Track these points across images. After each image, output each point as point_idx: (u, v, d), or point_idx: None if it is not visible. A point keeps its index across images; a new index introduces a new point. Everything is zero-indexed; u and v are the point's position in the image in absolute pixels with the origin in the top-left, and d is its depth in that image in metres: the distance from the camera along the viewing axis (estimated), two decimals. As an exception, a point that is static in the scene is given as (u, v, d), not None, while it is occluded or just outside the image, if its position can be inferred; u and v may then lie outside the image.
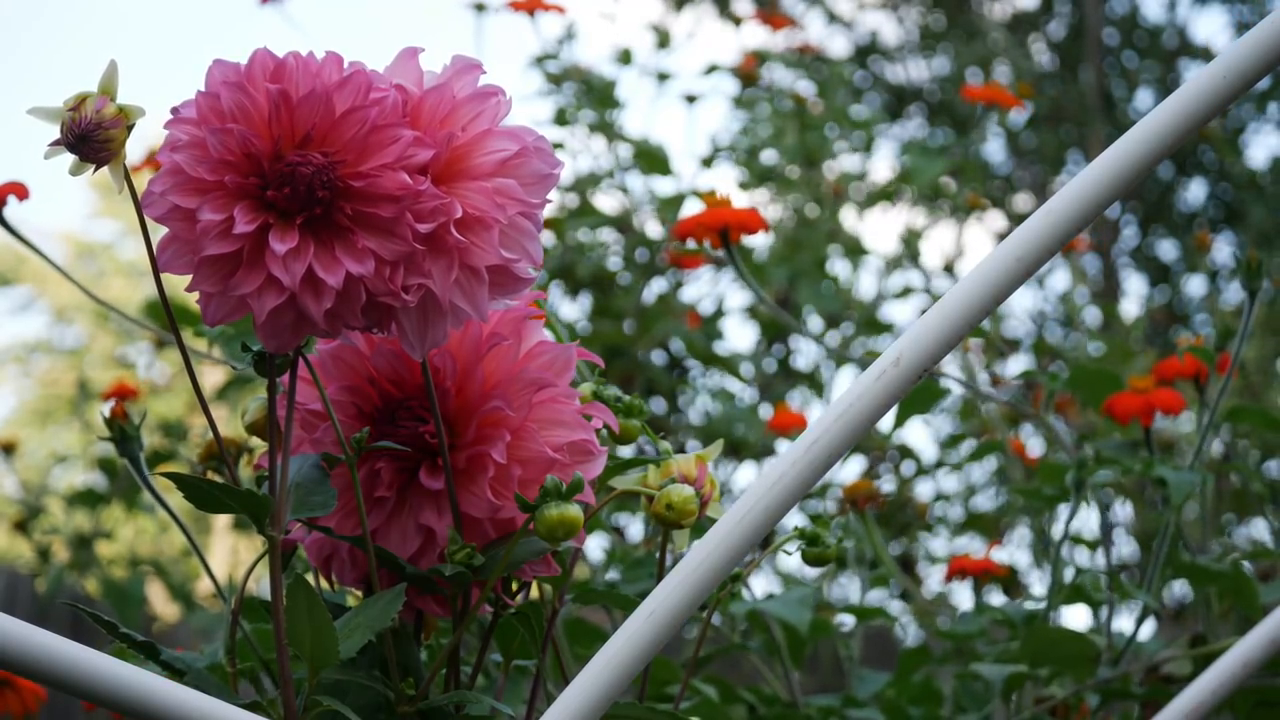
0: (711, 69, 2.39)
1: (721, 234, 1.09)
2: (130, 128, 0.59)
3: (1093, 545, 1.42)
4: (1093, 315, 3.42)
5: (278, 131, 0.59)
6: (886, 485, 2.16)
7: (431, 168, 0.60)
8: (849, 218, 2.35)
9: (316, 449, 0.67)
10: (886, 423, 2.02)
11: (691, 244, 1.12)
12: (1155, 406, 1.16)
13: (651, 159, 2.13)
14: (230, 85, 0.58)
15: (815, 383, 2.22)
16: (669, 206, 2.12)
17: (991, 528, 2.07)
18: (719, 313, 2.21)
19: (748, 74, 2.42)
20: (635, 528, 1.81)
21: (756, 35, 2.44)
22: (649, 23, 2.29)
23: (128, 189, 0.60)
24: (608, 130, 2.13)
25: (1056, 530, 1.81)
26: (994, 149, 5.23)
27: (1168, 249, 5.42)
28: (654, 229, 2.17)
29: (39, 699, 1.10)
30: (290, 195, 0.58)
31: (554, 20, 2.18)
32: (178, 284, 0.61)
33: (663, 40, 2.27)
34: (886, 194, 2.31)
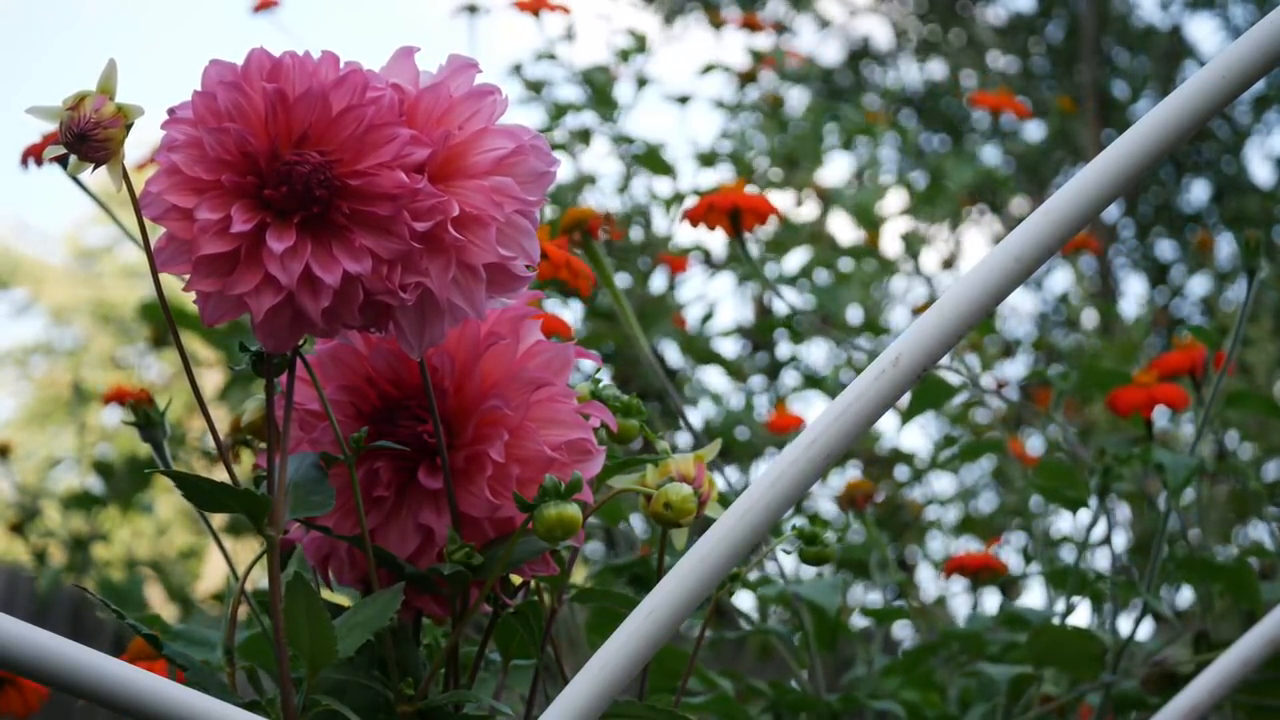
0: (708, 68, 2.39)
1: (732, 218, 1.07)
2: (129, 127, 0.59)
3: (1083, 547, 1.41)
4: (1089, 316, 3.43)
5: (274, 131, 0.59)
6: (882, 488, 2.16)
7: (428, 166, 0.59)
8: (834, 221, 2.36)
9: (314, 449, 0.67)
10: (891, 422, 2.03)
11: (687, 234, 1.11)
12: (1157, 400, 1.17)
13: (653, 160, 2.13)
14: (227, 85, 0.58)
15: (817, 381, 2.22)
16: (670, 205, 2.13)
17: (987, 530, 2.07)
18: (709, 316, 2.22)
19: (747, 75, 2.43)
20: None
21: (739, 39, 2.45)
22: (629, 28, 2.29)
23: (126, 189, 0.60)
24: (611, 132, 2.14)
25: (1061, 530, 1.80)
26: (989, 154, 5.24)
27: (1166, 249, 5.42)
28: (639, 232, 2.17)
29: (40, 697, 1.10)
30: (287, 194, 0.58)
31: (555, 22, 2.19)
32: (177, 286, 0.61)
33: (641, 45, 2.27)
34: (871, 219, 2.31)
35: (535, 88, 2.20)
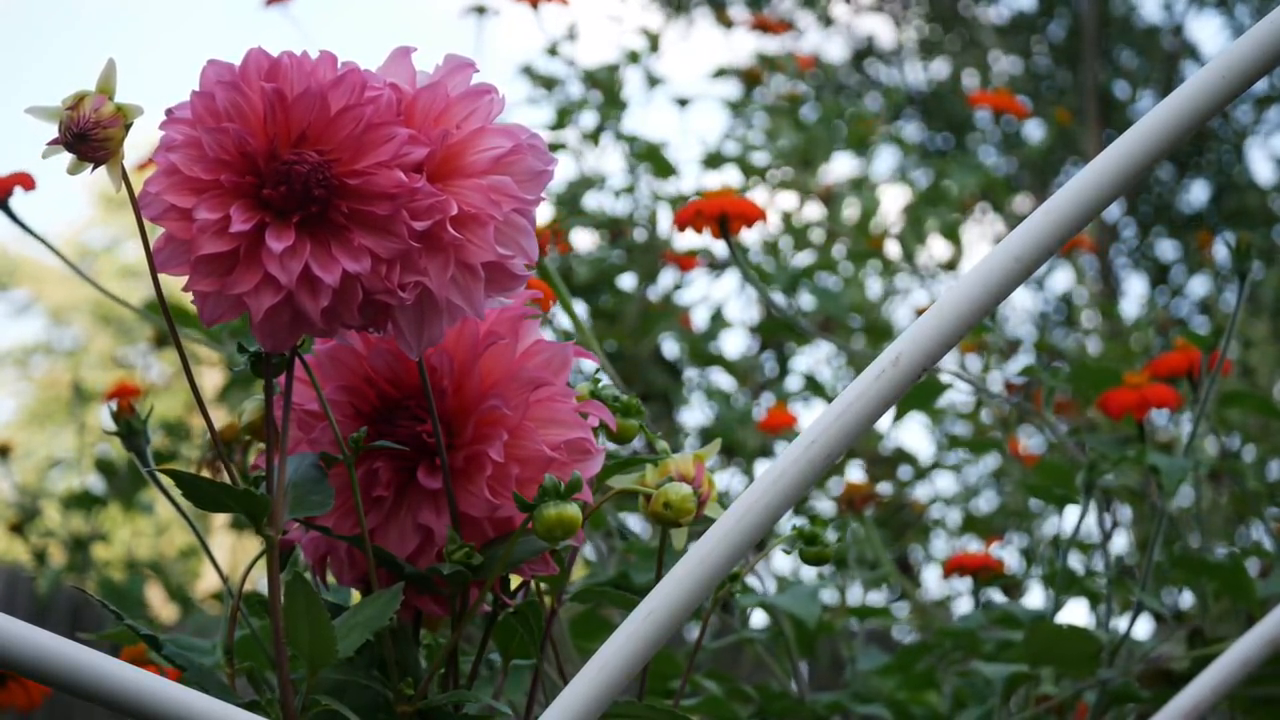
0: (720, 72, 2.39)
1: (720, 223, 1.07)
2: (128, 127, 0.59)
3: (1086, 548, 1.41)
4: (1090, 317, 3.42)
5: (273, 130, 0.59)
6: (884, 488, 2.16)
7: (426, 165, 0.59)
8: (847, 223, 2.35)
9: (314, 449, 0.67)
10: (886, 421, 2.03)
11: (690, 237, 1.11)
12: (1149, 401, 1.16)
13: (657, 161, 2.13)
14: (225, 85, 0.58)
15: (816, 384, 2.22)
16: (675, 205, 2.13)
17: (988, 530, 2.07)
18: (717, 315, 2.22)
19: (753, 76, 2.42)
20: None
21: (750, 41, 2.47)
22: (640, 27, 2.29)
23: (125, 189, 0.60)
24: (616, 132, 2.14)
25: (1059, 530, 1.80)
26: (988, 151, 5.24)
27: (1167, 249, 5.43)
28: (643, 233, 2.17)
29: (43, 693, 1.10)
30: (286, 194, 0.58)
31: (557, 18, 2.19)
32: (176, 286, 0.61)
33: (653, 44, 2.27)
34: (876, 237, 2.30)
35: (547, 84, 2.20)
